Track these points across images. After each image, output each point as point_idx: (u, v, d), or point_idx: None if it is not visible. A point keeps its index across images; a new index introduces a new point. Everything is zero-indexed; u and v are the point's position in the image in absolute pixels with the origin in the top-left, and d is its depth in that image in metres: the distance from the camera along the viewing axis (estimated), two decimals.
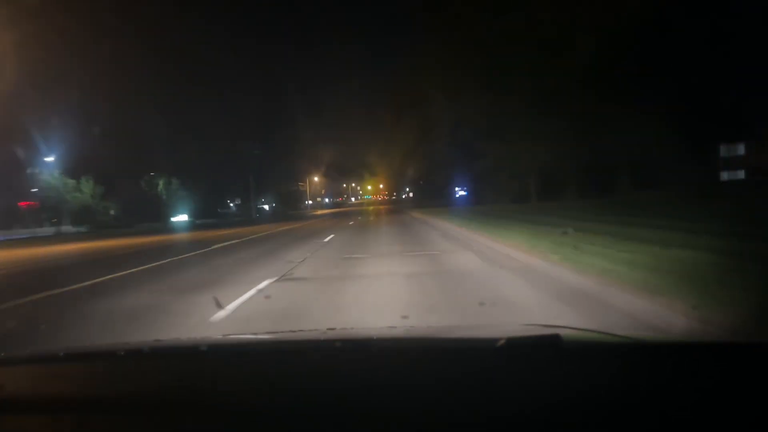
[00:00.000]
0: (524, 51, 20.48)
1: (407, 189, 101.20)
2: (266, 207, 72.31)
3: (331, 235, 13.02)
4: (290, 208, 71.99)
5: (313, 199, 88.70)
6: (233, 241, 13.38)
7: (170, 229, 31.80)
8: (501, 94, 22.08)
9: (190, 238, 18.16)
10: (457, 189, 49.35)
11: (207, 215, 55.63)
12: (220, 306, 4.47)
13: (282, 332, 2.41)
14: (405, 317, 3.65)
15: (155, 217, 46.58)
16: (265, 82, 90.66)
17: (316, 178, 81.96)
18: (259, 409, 0.85)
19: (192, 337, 2.28)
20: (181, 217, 49.59)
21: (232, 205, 77.45)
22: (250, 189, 51.28)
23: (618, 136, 20.42)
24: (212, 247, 11.56)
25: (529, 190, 26.80)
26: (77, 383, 1.10)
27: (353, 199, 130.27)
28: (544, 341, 1.05)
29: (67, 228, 36.07)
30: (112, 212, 41.50)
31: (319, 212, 56.59)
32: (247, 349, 1.37)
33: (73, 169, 35.75)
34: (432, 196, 54.94)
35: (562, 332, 1.08)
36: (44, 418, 0.89)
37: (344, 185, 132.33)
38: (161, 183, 48.03)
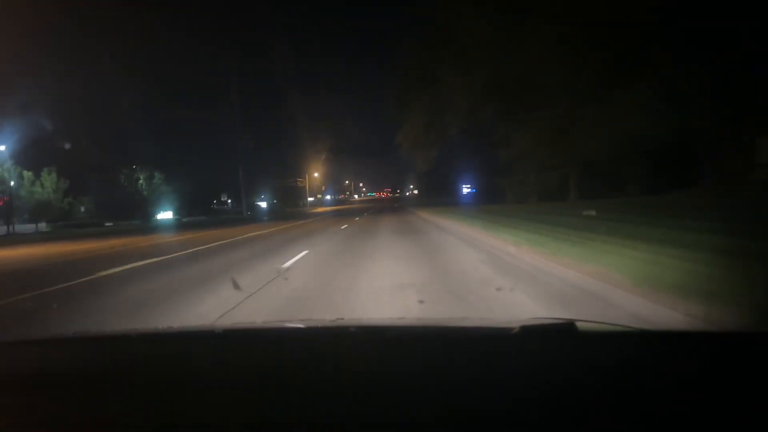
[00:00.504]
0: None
1: (411, 186, 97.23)
2: (263, 204, 68.61)
3: (305, 251, 8.36)
4: (289, 205, 67.99)
5: (314, 196, 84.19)
6: (162, 257, 8.82)
7: (141, 229, 27.50)
8: (538, 66, 17.28)
9: (126, 245, 13.44)
10: (464, 186, 46.37)
11: (197, 212, 51.65)
12: (238, 287, 4.42)
13: (293, 320, 2.40)
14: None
15: (136, 214, 42.25)
16: (265, 80, 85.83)
17: (316, 174, 77.53)
18: (272, 394, 0.83)
19: (203, 324, 2.64)
20: (166, 215, 45.28)
21: (229, 201, 73.31)
22: (240, 184, 46.94)
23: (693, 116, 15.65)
24: (98, 275, 6.94)
25: (568, 186, 22.03)
26: (88, 364, 1.09)
27: (356, 196, 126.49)
28: (560, 329, 1.04)
29: (25, 227, 31.70)
30: (82, 209, 37.12)
31: (318, 210, 52.35)
32: (261, 334, 1.36)
33: (35, 161, 31.39)
34: (437, 194, 52.21)
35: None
36: (52, 397, 0.87)
37: (347, 182, 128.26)
38: (142, 177, 43.51)
